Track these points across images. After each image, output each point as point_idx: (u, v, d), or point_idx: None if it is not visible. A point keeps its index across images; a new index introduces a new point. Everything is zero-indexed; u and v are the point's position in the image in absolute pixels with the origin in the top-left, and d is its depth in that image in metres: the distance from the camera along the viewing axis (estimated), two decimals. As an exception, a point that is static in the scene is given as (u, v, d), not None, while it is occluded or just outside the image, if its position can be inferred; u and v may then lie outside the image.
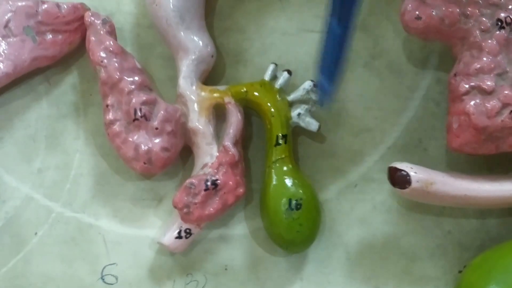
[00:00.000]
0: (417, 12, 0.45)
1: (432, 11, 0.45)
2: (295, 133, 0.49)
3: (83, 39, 0.48)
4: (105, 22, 0.47)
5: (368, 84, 0.48)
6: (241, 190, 0.46)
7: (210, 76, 0.49)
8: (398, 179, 0.44)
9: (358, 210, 0.48)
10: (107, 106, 0.46)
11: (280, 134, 0.46)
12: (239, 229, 0.49)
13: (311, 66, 0.49)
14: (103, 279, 0.48)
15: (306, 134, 0.49)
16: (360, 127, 0.48)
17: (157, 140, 0.45)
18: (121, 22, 0.50)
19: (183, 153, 0.48)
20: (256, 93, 0.47)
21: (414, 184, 0.44)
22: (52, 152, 0.47)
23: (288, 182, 0.46)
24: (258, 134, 0.49)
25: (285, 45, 0.48)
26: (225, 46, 0.49)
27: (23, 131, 0.48)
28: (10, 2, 0.47)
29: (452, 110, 0.45)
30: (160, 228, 0.46)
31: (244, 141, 0.48)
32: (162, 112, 0.46)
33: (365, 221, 0.48)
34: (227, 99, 0.47)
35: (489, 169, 0.49)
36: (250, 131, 0.49)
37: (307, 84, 0.47)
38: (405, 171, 0.44)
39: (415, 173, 0.44)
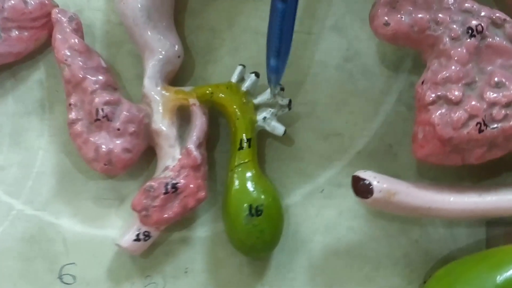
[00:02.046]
0: (385, 18, 0.43)
1: (401, 17, 0.43)
2: (262, 135, 0.48)
3: (51, 35, 0.47)
4: (71, 19, 0.46)
5: (339, 87, 0.47)
6: (202, 193, 0.45)
7: (178, 76, 0.48)
8: (360, 189, 0.43)
9: (324, 216, 0.47)
10: (70, 105, 0.45)
11: (244, 138, 0.46)
12: (202, 231, 0.48)
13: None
14: (61, 279, 0.48)
15: (273, 136, 0.48)
16: (330, 131, 0.47)
17: (118, 141, 0.45)
18: (90, 19, 0.49)
19: (148, 153, 0.47)
20: (221, 95, 0.46)
21: (376, 194, 0.43)
22: (15, 149, 0.47)
23: (250, 187, 0.45)
24: (226, 136, 0.48)
25: (257, 45, 0.47)
26: (195, 44, 0.49)
27: (-14, 127, 0.45)
28: (-26, -2, 0.46)
29: (418, 119, 0.44)
30: (120, 229, 0.45)
31: (208, 143, 0.47)
32: (124, 112, 0.45)
33: (330, 227, 0.47)
34: (191, 100, 0.46)
35: (459, 177, 0.48)
36: (217, 132, 0.49)
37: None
38: (367, 180, 0.43)
39: (378, 182, 0.43)
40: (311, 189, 0.47)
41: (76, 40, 0.45)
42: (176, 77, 0.48)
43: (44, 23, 0.47)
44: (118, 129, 0.44)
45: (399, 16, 0.43)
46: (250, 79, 0.46)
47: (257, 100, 0.46)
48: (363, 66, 0.48)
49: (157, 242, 0.48)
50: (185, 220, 0.48)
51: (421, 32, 0.43)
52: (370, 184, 0.43)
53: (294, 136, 0.47)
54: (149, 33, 0.46)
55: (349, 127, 0.47)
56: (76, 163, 0.48)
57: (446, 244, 0.48)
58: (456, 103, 0.42)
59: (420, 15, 0.43)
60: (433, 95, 0.43)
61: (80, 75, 0.45)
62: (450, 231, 0.48)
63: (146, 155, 0.48)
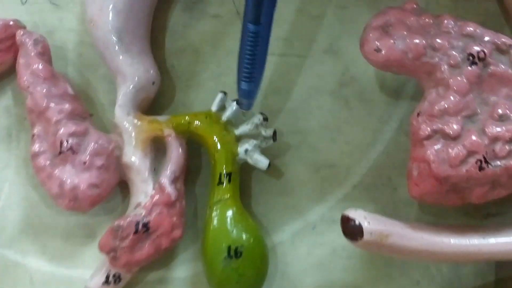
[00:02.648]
0: (377, 43, 0.39)
1: (394, 43, 0.39)
2: (248, 167, 0.44)
3: (16, 58, 0.43)
4: (37, 42, 0.42)
5: (334, 114, 0.45)
6: (177, 233, 0.41)
7: (157, 102, 0.45)
8: (350, 230, 0.39)
9: (316, 255, 0.44)
10: (33, 136, 0.42)
11: (224, 172, 0.41)
12: (181, 271, 0.44)
13: (272, 94, 0.44)
14: (28, 322, 0.44)
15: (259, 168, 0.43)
16: (323, 162, 0.44)
17: (85, 176, 0.41)
18: (62, 40, 0.45)
19: (123, 186, 0.44)
20: (199, 125, 0.42)
21: (366, 236, 0.38)
22: None
23: (229, 226, 0.41)
24: (209, 167, 0.43)
25: None
26: (176, 68, 0.46)
27: None
28: None
29: (412, 155, 0.39)
30: (92, 269, 0.41)
31: (190, 174, 0.44)
32: (92, 144, 0.41)
33: (323, 267, 0.44)
34: (166, 131, 0.42)
35: (465, 212, 0.44)
36: (199, 163, 0.45)
37: (257, 118, 0.42)
38: (357, 220, 0.39)
39: (369, 223, 0.39)
40: (302, 226, 0.44)
41: (40, 65, 0.41)
42: (154, 103, 0.45)
43: (9, 46, 0.44)
44: (85, 163, 0.41)
45: (391, 41, 0.39)
46: (231, 107, 0.42)
47: (238, 131, 0.42)
48: (360, 92, 0.45)
49: (132, 283, 0.44)
50: (163, 259, 0.44)
51: (417, 59, 0.39)
52: (360, 225, 0.39)
53: (283, 167, 0.44)
54: (120, 57, 0.42)
55: (344, 158, 0.44)
56: (44, 197, 0.45)
57: (450, 286, 0.44)
58: (454, 138, 0.38)
59: (415, 40, 0.39)
60: (429, 129, 0.38)
61: (43, 104, 0.41)
62: (455, 272, 0.44)
63: (122, 188, 0.44)
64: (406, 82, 0.46)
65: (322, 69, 0.46)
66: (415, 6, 0.41)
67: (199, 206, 0.45)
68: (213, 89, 0.46)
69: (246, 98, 0.41)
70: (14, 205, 0.45)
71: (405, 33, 0.39)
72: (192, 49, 0.46)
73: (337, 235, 0.43)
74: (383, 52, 0.39)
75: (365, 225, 0.39)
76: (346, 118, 0.45)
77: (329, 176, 0.45)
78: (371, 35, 0.40)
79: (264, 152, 0.43)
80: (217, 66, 0.46)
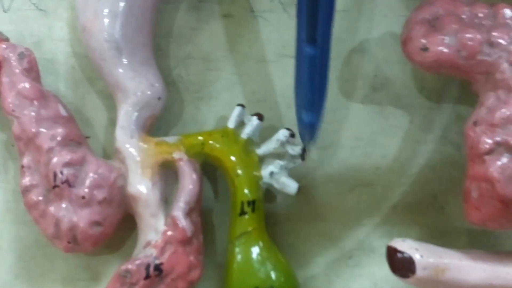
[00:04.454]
0: (423, 41, 0.33)
1: (444, 39, 0.33)
2: (271, 190, 0.39)
3: (-1, 76, 0.37)
4: (22, 57, 0.36)
5: (367, 124, 0.40)
6: (196, 274, 0.35)
7: (164, 119, 0.40)
8: (399, 264, 0.33)
9: (354, 289, 0.38)
10: (22, 167, 0.35)
11: (247, 200, 0.35)
12: (201, 315, 0.38)
13: (292, 102, 0.38)
14: None
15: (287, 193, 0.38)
16: (357, 181, 0.39)
17: (84, 213, 0.35)
18: (52, 51, 0.40)
19: (130, 218, 0.38)
20: (215, 146, 0.36)
21: (419, 272, 0.32)
22: None
23: (256, 264, 0.36)
24: (227, 191, 0.39)
25: (261, 75, 0.40)
26: (184, 78, 0.40)
27: None
28: None
29: (470, 173, 0.33)
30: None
31: (204, 202, 0.39)
32: (91, 175, 0.35)
33: (363, 303, 0.38)
34: (177, 154, 0.36)
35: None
36: (215, 187, 0.39)
37: (282, 134, 0.36)
38: (407, 253, 0.32)
39: (421, 256, 0.33)
40: (336, 256, 0.39)
41: (27, 84, 0.35)
42: (160, 121, 0.39)
43: (-10, 63, 0.37)
44: (83, 197, 0.35)
45: (441, 37, 0.33)
46: (252, 123, 0.36)
47: (261, 150, 0.36)
48: (396, 96, 0.40)
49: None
50: (178, 301, 0.37)
51: (471, 58, 0.33)
52: (411, 259, 0.32)
53: (311, 189, 0.39)
54: (120, 70, 0.36)
55: (381, 174, 0.39)
56: (40, 236, 0.39)
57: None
58: (521, 151, 0.32)
59: (468, 35, 0.33)
60: (490, 141, 0.32)
61: (32, 129, 0.35)
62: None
63: (128, 220, 0.38)
64: (448, 83, 0.40)
65: (351, 71, 0.40)
66: (463, -7, 0.34)
67: (218, 238, 0.39)
68: (228, 101, 0.40)
69: (309, 129, 0.35)
70: (5, 246, 0.40)
71: (456, 27, 0.33)
72: (202, 55, 0.40)
73: (377, 266, 0.39)
74: (431, 51, 0.33)
75: (417, 258, 0.33)
76: (381, 127, 0.40)
77: (365, 197, 0.40)
78: (415, 31, 0.33)
79: (289, 172, 0.37)
80: (232, 74, 0.40)
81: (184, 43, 0.41)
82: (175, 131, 0.40)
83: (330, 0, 0.33)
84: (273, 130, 0.39)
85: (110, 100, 0.39)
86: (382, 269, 0.39)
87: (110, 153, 0.39)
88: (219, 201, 0.40)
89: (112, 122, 0.40)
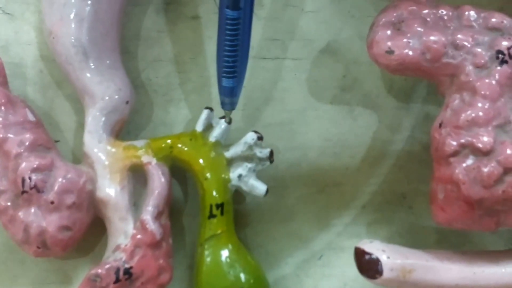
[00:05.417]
0: (388, 44, 0.33)
1: (409, 42, 0.33)
2: (240, 192, 0.39)
3: (-35, 82, 0.37)
4: (-12, 62, 0.36)
5: (336, 124, 0.40)
6: (166, 277, 0.35)
7: (132, 122, 0.39)
8: (366, 266, 0.33)
9: (324, 289, 0.38)
10: (-10, 173, 0.35)
11: (216, 203, 0.35)
12: (171, 319, 0.38)
13: (264, 104, 0.38)
14: None
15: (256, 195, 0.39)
16: (326, 181, 0.40)
17: (53, 217, 0.35)
18: (19, 55, 0.40)
19: (99, 222, 0.38)
20: (183, 149, 0.36)
21: (386, 273, 0.33)
22: None
23: (225, 267, 0.36)
24: (196, 194, 0.38)
25: None
26: (152, 81, 0.40)
27: None
28: None
29: (436, 175, 0.33)
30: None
31: (174, 204, 0.39)
32: (60, 180, 0.35)
33: (333, 303, 0.38)
34: (146, 158, 0.36)
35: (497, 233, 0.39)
36: (185, 189, 0.40)
37: (250, 137, 0.36)
38: (374, 255, 0.33)
39: (388, 257, 0.33)
40: (307, 256, 0.40)
41: (-7, 90, 0.35)
42: (129, 125, 0.39)
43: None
44: (52, 202, 0.35)
45: (405, 40, 0.33)
46: (220, 126, 0.36)
47: (229, 153, 0.36)
48: (365, 96, 0.40)
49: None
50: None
51: (436, 60, 0.33)
52: (378, 260, 0.33)
53: (281, 190, 0.39)
54: (87, 74, 0.36)
55: (351, 175, 0.40)
56: (9, 240, 0.38)
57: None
58: (485, 153, 0.32)
59: (433, 38, 0.33)
60: (455, 143, 0.33)
61: (0, 135, 0.34)
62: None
63: (97, 223, 0.38)
64: (416, 83, 0.41)
65: (320, 72, 0.40)
66: (428, -4, 0.35)
67: (187, 241, 0.39)
68: (196, 103, 0.40)
69: (229, 96, 0.36)
70: (-25, 250, 0.39)
71: (420, 29, 0.34)
72: (170, 57, 0.40)
73: (347, 265, 0.39)
74: (396, 53, 0.33)
75: (384, 259, 0.33)
76: (350, 128, 0.40)
77: (334, 197, 0.40)
78: (380, 34, 0.34)
79: (258, 173, 0.37)
80: (200, 76, 0.40)
81: (152, 45, 0.40)
82: (144, 134, 0.40)
83: None
84: (240, 133, 0.39)
85: (79, 104, 0.39)
86: (352, 269, 0.38)
87: (79, 156, 0.39)
88: (188, 204, 0.40)
89: (81, 126, 0.39)
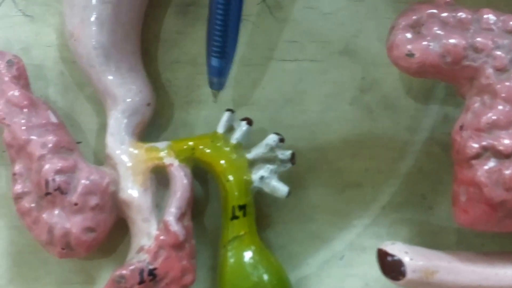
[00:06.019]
0: (408, 47, 0.33)
1: (429, 45, 0.33)
2: (261, 192, 0.38)
3: (-13, 84, 0.37)
4: (11, 64, 0.36)
5: (355, 126, 0.40)
6: (189, 278, 0.36)
7: (153, 124, 0.39)
8: (389, 267, 0.34)
9: (346, 289, 0.38)
10: (14, 174, 0.36)
11: (238, 205, 0.35)
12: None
13: (284, 106, 0.38)
14: None
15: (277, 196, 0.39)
16: (346, 182, 0.40)
17: (77, 219, 0.35)
18: (40, 57, 0.40)
19: (122, 222, 0.38)
20: (206, 151, 0.36)
21: (410, 275, 0.33)
22: None
23: (249, 268, 0.36)
24: (217, 194, 0.39)
25: (249, 79, 0.40)
26: (172, 83, 0.40)
27: None
28: None
29: (458, 177, 0.34)
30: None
31: (195, 205, 0.38)
32: (83, 181, 0.35)
33: (354, 302, 0.38)
34: (168, 160, 0.36)
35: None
36: (206, 189, 0.40)
37: (271, 139, 0.36)
38: (397, 257, 0.33)
39: (411, 259, 0.33)
40: (328, 257, 0.40)
41: (16, 92, 0.36)
42: (150, 126, 0.38)
43: (-22, 70, 0.37)
44: (76, 204, 0.35)
45: (425, 43, 0.33)
46: (241, 128, 0.37)
47: (251, 155, 0.37)
48: (384, 98, 0.40)
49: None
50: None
51: (456, 63, 0.33)
52: (401, 262, 0.33)
53: (301, 191, 0.39)
54: (109, 76, 0.36)
55: (370, 175, 0.40)
56: (33, 240, 0.39)
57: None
58: (507, 156, 0.33)
59: (453, 41, 0.33)
60: (477, 146, 0.33)
61: (23, 137, 0.35)
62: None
63: (120, 224, 0.39)
64: (435, 84, 0.41)
65: (339, 74, 0.40)
66: (448, -1, 0.35)
67: (209, 242, 0.40)
68: (216, 104, 0.40)
69: (217, 76, 0.37)
70: (0, 251, 0.40)
71: (440, 32, 0.34)
72: (189, 59, 0.40)
73: (368, 266, 0.40)
74: (416, 56, 0.34)
75: (407, 261, 0.33)
76: (370, 129, 0.40)
77: (354, 198, 0.40)
78: (400, 37, 0.34)
79: (279, 175, 0.37)
80: (219, 78, 0.39)
81: (171, 47, 0.41)
82: (165, 136, 0.40)
83: None
84: (261, 134, 0.39)
85: (99, 106, 0.40)
86: (373, 269, 0.39)
87: (101, 158, 0.39)
88: (209, 205, 0.40)
89: (102, 127, 0.40)
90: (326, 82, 0.40)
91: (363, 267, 0.40)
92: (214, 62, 0.36)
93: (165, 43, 0.41)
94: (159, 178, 0.37)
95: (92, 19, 0.37)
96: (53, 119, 0.37)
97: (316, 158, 0.40)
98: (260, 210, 0.39)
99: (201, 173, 0.39)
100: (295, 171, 0.40)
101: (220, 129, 0.37)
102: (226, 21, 0.35)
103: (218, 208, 0.39)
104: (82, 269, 0.40)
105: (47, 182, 0.36)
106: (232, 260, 0.37)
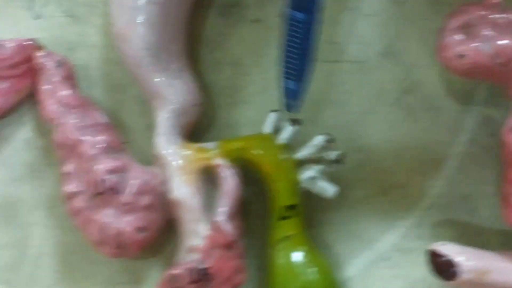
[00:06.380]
0: (459, 48, 0.34)
1: (480, 46, 0.33)
2: (304, 193, 0.39)
3: (35, 84, 0.37)
4: (60, 64, 0.37)
5: (398, 127, 0.40)
6: (241, 277, 0.36)
7: (197, 124, 0.38)
8: (442, 268, 0.34)
9: (391, 290, 0.38)
10: (65, 174, 0.36)
11: (287, 205, 0.36)
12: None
13: (326, 107, 0.38)
14: None
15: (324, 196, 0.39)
16: (389, 183, 0.40)
17: (129, 218, 0.35)
18: (85, 58, 0.40)
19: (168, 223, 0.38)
20: (255, 151, 0.36)
21: (463, 275, 0.33)
22: (4, 226, 0.39)
23: (299, 268, 0.37)
24: (259, 192, 0.39)
25: None
26: (216, 83, 0.41)
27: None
28: None
29: (509, 177, 0.34)
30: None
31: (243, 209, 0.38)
32: (135, 181, 0.35)
33: (400, 303, 0.38)
34: (218, 160, 0.36)
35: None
36: (250, 190, 0.39)
37: (320, 139, 0.37)
38: (450, 257, 0.33)
39: (464, 260, 0.34)
40: (372, 257, 0.40)
41: (67, 92, 0.36)
42: (194, 126, 0.38)
43: (25, 70, 0.38)
44: (128, 203, 0.35)
45: (476, 44, 0.34)
46: (289, 128, 0.37)
47: (300, 155, 0.37)
48: (426, 99, 0.40)
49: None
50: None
51: (507, 64, 0.34)
52: (454, 263, 0.33)
53: (344, 192, 0.39)
54: (157, 77, 0.36)
55: (414, 176, 0.40)
56: (81, 241, 0.39)
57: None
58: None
59: (503, 42, 0.33)
60: (529, 147, 0.33)
61: (74, 137, 0.35)
62: None
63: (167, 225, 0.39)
64: (477, 85, 0.41)
65: (380, 75, 0.40)
66: (497, 0, 0.35)
67: (255, 242, 0.40)
68: (259, 105, 0.40)
69: (293, 99, 0.36)
70: (47, 251, 0.40)
71: (491, 33, 0.34)
72: (232, 60, 0.41)
73: (413, 267, 0.40)
74: (467, 58, 0.34)
75: (459, 261, 0.34)
76: (412, 130, 0.40)
77: (398, 199, 0.40)
78: (451, 39, 0.34)
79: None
80: (262, 79, 0.41)
81: (215, 48, 0.41)
82: (209, 136, 0.40)
83: None
84: (303, 135, 0.39)
85: (144, 106, 0.40)
86: (419, 270, 0.39)
87: (146, 158, 0.39)
88: (253, 205, 0.40)
89: (147, 128, 0.40)
90: (368, 84, 0.41)
91: (408, 268, 0.40)
92: (292, 85, 0.36)
93: (208, 44, 0.41)
94: (208, 178, 0.38)
95: (141, 20, 0.37)
96: (102, 119, 0.37)
97: (359, 159, 0.40)
98: (304, 211, 0.39)
99: (245, 173, 0.39)
100: (338, 171, 0.40)
101: (268, 129, 0.38)
102: (305, 43, 0.35)
103: (262, 208, 0.39)
104: (129, 269, 0.40)
105: (99, 182, 0.36)
106: (282, 260, 0.37)
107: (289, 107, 0.37)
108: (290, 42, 0.36)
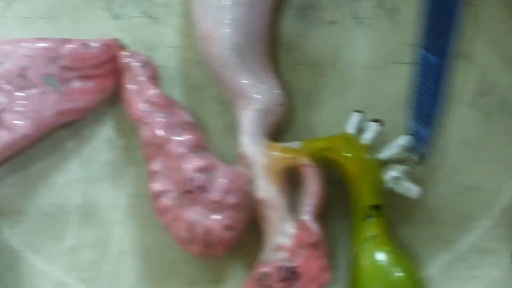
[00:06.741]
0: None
1: None
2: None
3: (117, 84, 0.38)
4: (145, 64, 0.37)
5: (475, 129, 0.40)
6: (327, 277, 0.36)
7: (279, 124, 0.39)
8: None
9: (470, 291, 0.38)
10: (152, 172, 0.36)
11: (371, 205, 0.36)
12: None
13: (403, 108, 0.39)
14: None
15: (397, 195, 0.39)
16: (467, 184, 0.40)
17: (217, 217, 0.35)
18: (164, 58, 0.40)
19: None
20: (339, 151, 0.37)
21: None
22: (86, 225, 0.40)
23: (386, 267, 0.37)
24: (339, 193, 0.39)
25: (369, 81, 0.41)
26: (293, 85, 0.41)
27: (49, 199, 0.40)
28: (25, 45, 0.36)
29: None
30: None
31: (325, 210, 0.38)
32: (222, 180, 0.36)
33: (478, 304, 0.38)
34: (302, 159, 0.36)
35: None
36: (330, 190, 0.39)
37: (404, 140, 0.37)
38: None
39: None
40: (451, 258, 0.40)
41: (155, 92, 0.36)
42: (277, 126, 0.38)
43: (109, 70, 0.38)
44: (216, 202, 0.35)
45: None
46: (373, 128, 0.37)
47: (384, 155, 0.37)
48: (502, 101, 0.40)
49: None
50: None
51: None
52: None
53: (423, 193, 0.39)
54: (242, 77, 0.37)
55: (490, 177, 0.40)
56: (162, 239, 0.39)
57: None
58: None
59: None
60: None
61: (163, 136, 0.36)
62: None
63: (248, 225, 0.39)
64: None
65: (456, 77, 0.40)
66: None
67: (337, 242, 0.40)
68: (337, 106, 0.41)
69: (422, 144, 0.36)
70: (129, 250, 0.40)
71: None
72: (309, 61, 0.41)
73: (491, 267, 0.40)
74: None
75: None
76: (488, 132, 0.41)
77: (474, 200, 0.40)
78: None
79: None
80: (340, 80, 0.41)
81: (292, 49, 0.41)
82: (288, 137, 0.40)
83: (456, 9, 0.33)
84: (383, 135, 0.39)
85: (223, 106, 0.40)
86: (496, 270, 0.40)
87: (226, 157, 0.40)
88: (333, 205, 0.41)
89: (225, 127, 0.40)
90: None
91: (486, 269, 0.40)
92: (421, 130, 0.36)
93: (285, 45, 0.41)
94: (292, 177, 0.38)
95: (228, 20, 0.37)
96: (188, 118, 0.38)
97: (436, 160, 0.41)
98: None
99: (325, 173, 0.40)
100: (415, 173, 0.40)
101: (351, 129, 0.38)
102: (437, 88, 0.34)
103: (341, 208, 0.39)
104: (212, 269, 0.40)
105: (188, 180, 0.36)
106: (368, 260, 0.37)
107: (419, 152, 0.37)
108: (422, 85, 0.35)
